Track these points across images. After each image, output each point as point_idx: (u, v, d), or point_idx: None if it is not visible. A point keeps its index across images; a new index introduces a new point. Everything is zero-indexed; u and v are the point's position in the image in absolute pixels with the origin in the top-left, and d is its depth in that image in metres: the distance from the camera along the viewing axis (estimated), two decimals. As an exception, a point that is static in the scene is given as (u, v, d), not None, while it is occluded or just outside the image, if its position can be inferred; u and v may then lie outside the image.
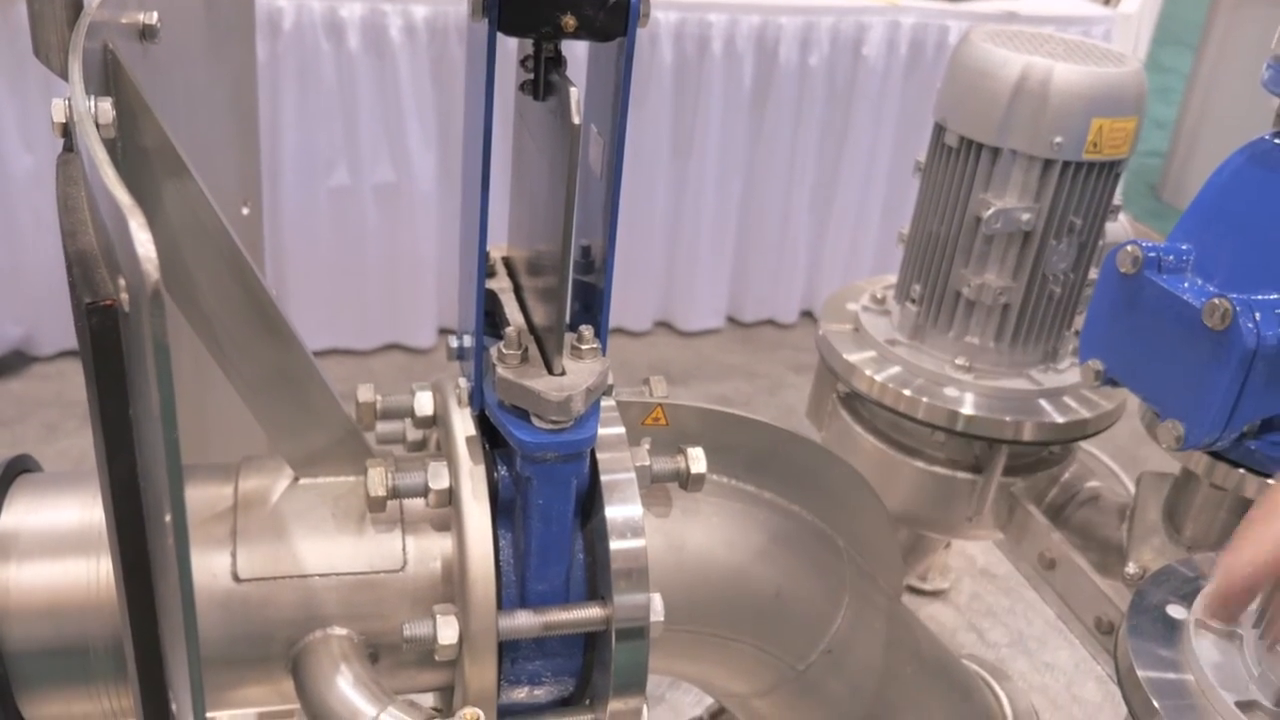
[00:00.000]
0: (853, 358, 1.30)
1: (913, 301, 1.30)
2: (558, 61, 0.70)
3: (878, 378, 1.28)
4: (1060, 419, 1.25)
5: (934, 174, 1.25)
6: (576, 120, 0.64)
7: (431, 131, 2.79)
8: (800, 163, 3.19)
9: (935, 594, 1.87)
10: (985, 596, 1.90)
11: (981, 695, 1.19)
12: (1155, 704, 0.80)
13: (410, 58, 2.67)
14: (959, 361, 1.25)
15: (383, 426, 0.90)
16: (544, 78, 0.70)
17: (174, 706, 0.55)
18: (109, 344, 0.42)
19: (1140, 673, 0.82)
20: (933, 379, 1.27)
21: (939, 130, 1.23)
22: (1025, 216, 1.17)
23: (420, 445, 0.93)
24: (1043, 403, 1.27)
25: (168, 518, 0.44)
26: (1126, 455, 1.38)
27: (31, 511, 0.77)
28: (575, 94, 0.65)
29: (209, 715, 0.88)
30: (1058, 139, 1.13)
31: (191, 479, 0.82)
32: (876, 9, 3.07)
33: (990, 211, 1.17)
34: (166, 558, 0.43)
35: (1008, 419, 1.24)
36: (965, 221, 1.21)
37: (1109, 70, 1.14)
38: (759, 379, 3.01)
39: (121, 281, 0.42)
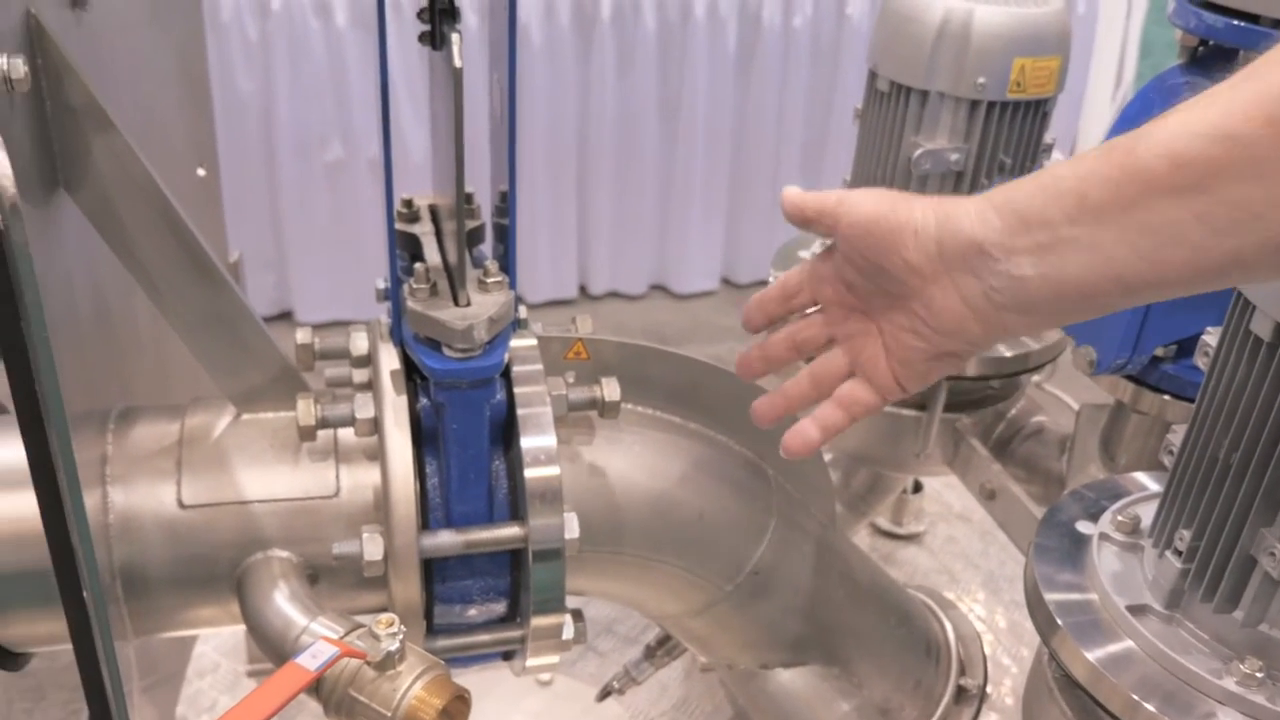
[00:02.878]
0: (800, 302, 1.35)
1: (856, 246, 1.34)
2: (451, 13, 0.75)
3: (825, 321, 1.32)
4: (1001, 354, 1.29)
5: (869, 120, 1.29)
6: (458, 63, 0.69)
7: (421, 104, 2.84)
8: (789, 124, 3.22)
9: (910, 538, 1.91)
10: (960, 540, 1.94)
11: (923, 620, 1.23)
12: (1059, 621, 0.84)
13: (397, 32, 2.72)
14: (899, 301, 1.29)
15: (332, 371, 0.95)
16: (438, 28, 0.75)
17: (93, 621, 0.61)
18: (-4, 262, 0.48)
19: (1045, 593, 0.86)
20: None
21: (872, 76, 1.27)
22: (954, 157, 1.21)
23: (368, 388, 0.99)
24: (989, 340, 1.31)
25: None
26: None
27: (-9, 449, 0.84)
28: (457, 39, 0.70)
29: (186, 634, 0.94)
30: (981, 80, 1.17)
31: (141, 418, 0.89)
32: (862, -31, 3.09)
33: (919, 153, 1.20)
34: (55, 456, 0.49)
35: (950, 356, 1.28)
36: (899, 164, 1.25)
37: (1029, 11, 1.17)
38: (753, 339, 3.05)
39: None
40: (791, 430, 0.81)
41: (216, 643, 1.54)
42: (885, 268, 0.70)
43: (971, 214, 0.66)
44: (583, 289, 3.31)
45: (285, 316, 3.07)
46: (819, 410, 0.80)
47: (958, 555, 1.91)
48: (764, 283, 2.09)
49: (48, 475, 0.54)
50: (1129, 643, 0.79)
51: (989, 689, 1.30)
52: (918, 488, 1.90)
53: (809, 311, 0.83)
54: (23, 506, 0.80)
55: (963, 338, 0.70)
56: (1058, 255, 0.62)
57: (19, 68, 0.63)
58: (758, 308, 0.83)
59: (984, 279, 0.65)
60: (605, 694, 1.32)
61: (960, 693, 1.23)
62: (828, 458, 1.44)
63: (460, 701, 0.74)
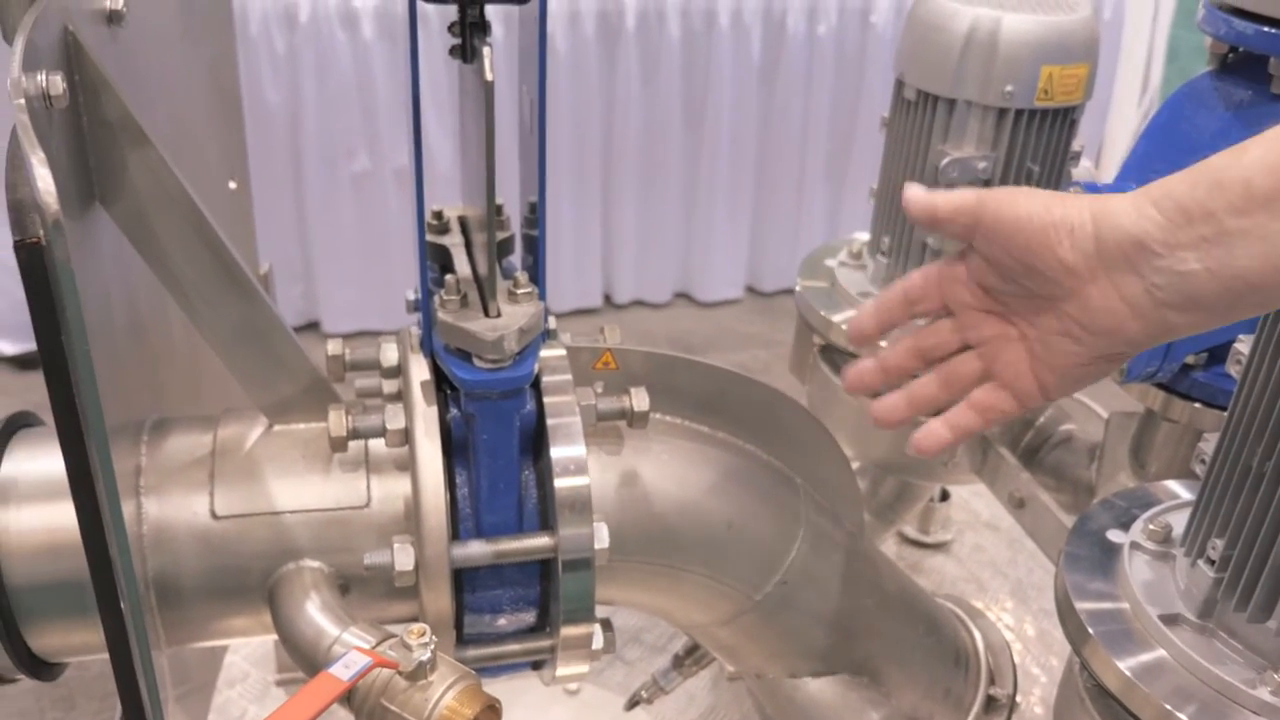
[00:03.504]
0: (826, 312, 1.35)
1: (883, 254, 1.34)
2: (482, 27, 0.76)
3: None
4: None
5: (896, 128, 1.29)
6: (490, 76, 0.70)
7: (446, 114, 2.86)
8: (814, 132, 3.22)
9: (937, 546, 1.90)
10: (988, 548, 1.93)
11: (952, 629, 1.23)
12: (1090, 630, 0.83)
13: (423, 44, 2.73)
14: (926, 309, 1.29)
15: (362, 382, 0.96)
16: (469, 42, 0.76)
17: (130, 630, 0.62)
18: (38, 276, 0.49)
19: (1076, 602, 0.86)
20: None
21: (899, 85, 1.27)
22: (982, 165, 1.21)
23: (399, 399, 1.00)
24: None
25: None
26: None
27: (29, 460, 0.85)
28: (489, 52, 0.70)
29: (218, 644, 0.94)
30: (1009, 88, 1.17)
31: (174, 429, 0.90)
32: (885, -25, 3.08)
33: (946, 161, 1.20)
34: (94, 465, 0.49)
35: (977, 364, 1.27)
36: (926, 172, 1.25)
37: (1057, 19, 1.17)
38: (777, 347, 3.05)
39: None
40: (924, 431, 0.78)
41: (246, 652, 1.56)
42: (1037, 268, 0.68)
43: (1129, 209, 0.63)
44: (607, 297, 3.32)
45: (313, 327, 3.10)
46: (952, 413, 0.77)
47: (986, 564, 1.90)
48: (789, 291, 2.10)
49: (87, 488, 0.55)
50: (1161, 652, 0.79)
51: (1018, 698, 1.29)
52: (945, 496, 1.90)
53: (919, 324, 0.80)
54: (59, 517, 0.82)
55: (1121, 338, 0.67)
56: (1224, 248, 0.60)
57: (58, 84, 0.64)
58: (873, 316, 0.80)
59: (1146, 276, 0.63)
60: (633, 703, 1.32)
61: (990, 702, 1.22)
62: (855, 466, 1.44)
63: (491, 711, 0.75)
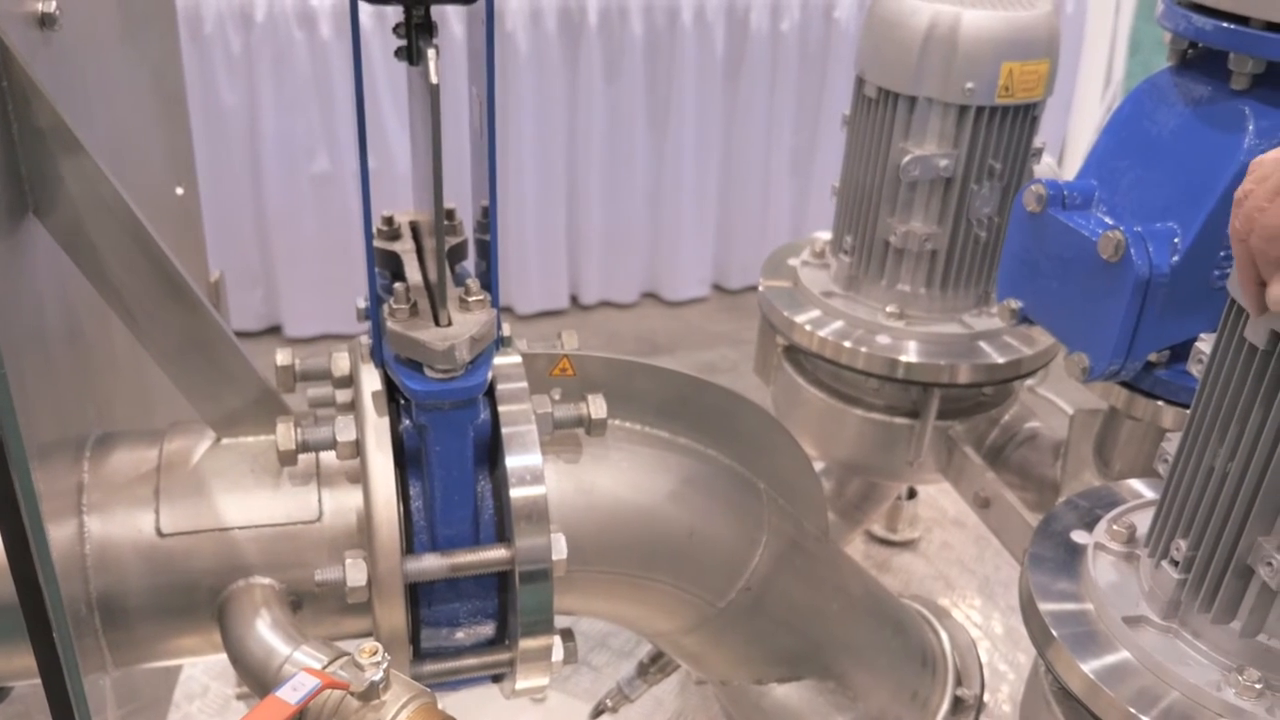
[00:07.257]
0: (789, 312, 1.33)
1: (846, 253, 1.33)
2: (428, 29, 0.74)
3: (815, 331, 1.31)
4: (994, 360, 1.27)
5: (858, 126, 1.28)
6: (435, 80, 0.68)
7: (406, 116, 2.83)
8: (778, 128, 3.22)
9: (905, 544, 1.90)
10: (955, 546, 1.92)
11: (918, 630, 1.22)
12: (1054, 632, 0.82)
13: (383, 44, 2.70)
14: (889, 309, 1.28)
15: (315, 391, 0.94)
16: (414, 43, 0.74)
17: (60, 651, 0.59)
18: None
19: (1040, 603, 0.85)
20: (869, 329, 1.29)
21: (859, 83, 1.26)
22: (943, 163, 1.20)
23: (351, 409, 0.97)
24: (982, 344, 1.29)
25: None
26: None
27: (-34, 479, 0.82)
28: (434, 55, 0.68)
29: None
30: (969, 85, 1.16)
31: (118, 444, 0.87)
32: (848, -29, 3.08)
33: (908, 159, 1.19)
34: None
35: (942, 363, 1.26)
36: (888, 171, 1.24)
37: (1017, 14, 1.16)
38: (745, 345, 3.03)
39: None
40: None
41: (205, 666, 1.52)
42: None
43: None
44: (574, 299, 3.29)
45: (274, 331, 3.05)
46: None
47: (953, 561, 1.90)
48: (757, 288, 2.14)
49: (11, 513, 0.52)
50: (1125, 654, 0.78)
51: (986, 697, 1.29)
52: (912, 494, 1.89)
53: None
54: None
55: None
56: None
57: (-21, 91, 0.61)
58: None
59: None
60: (598, 713, 1.30)
61: (957, 703, 1.22)
62: (819, 467, 1.43)
63: (447, 730, 0.73)
